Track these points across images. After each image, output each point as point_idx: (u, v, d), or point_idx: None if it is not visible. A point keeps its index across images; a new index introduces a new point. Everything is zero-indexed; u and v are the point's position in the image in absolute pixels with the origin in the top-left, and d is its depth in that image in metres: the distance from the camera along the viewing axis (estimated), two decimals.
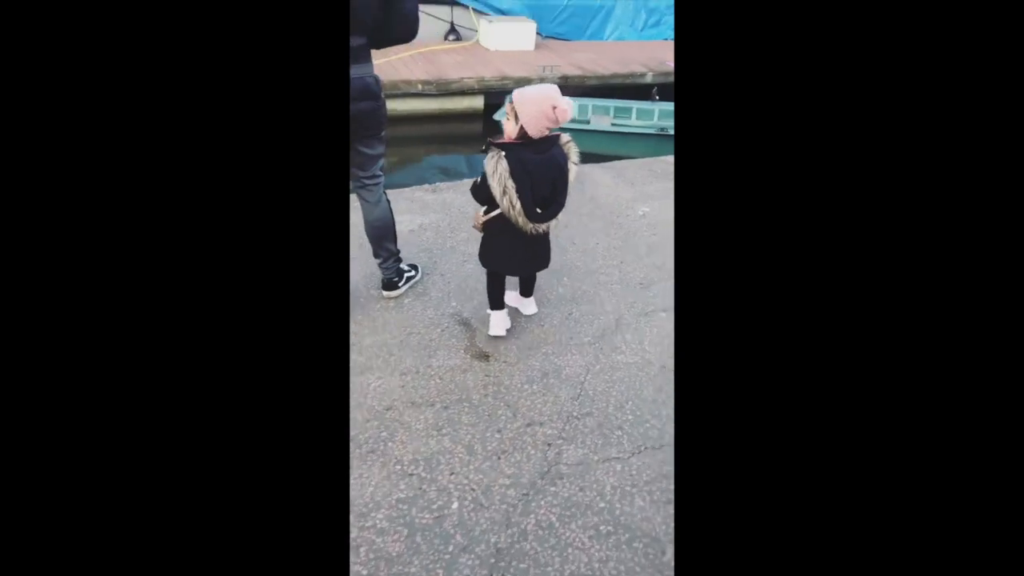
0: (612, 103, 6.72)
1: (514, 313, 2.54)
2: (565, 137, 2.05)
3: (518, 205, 1.94)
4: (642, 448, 1.91)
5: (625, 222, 3.45)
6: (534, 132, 1.91)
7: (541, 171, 1.96)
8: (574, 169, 2.04)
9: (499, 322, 2.36)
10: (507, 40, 8.39)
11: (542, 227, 2.05)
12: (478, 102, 7.30)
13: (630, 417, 2.04)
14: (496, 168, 1.92)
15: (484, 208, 2.12)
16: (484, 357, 2.30)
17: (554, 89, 1.91)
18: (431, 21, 8.42)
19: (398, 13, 2.02)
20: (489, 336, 2.38)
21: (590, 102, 6.72)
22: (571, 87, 7.39)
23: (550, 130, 1.94)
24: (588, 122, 6.36)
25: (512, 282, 2.51)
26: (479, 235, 2.25)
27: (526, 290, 2.51)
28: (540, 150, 1.95)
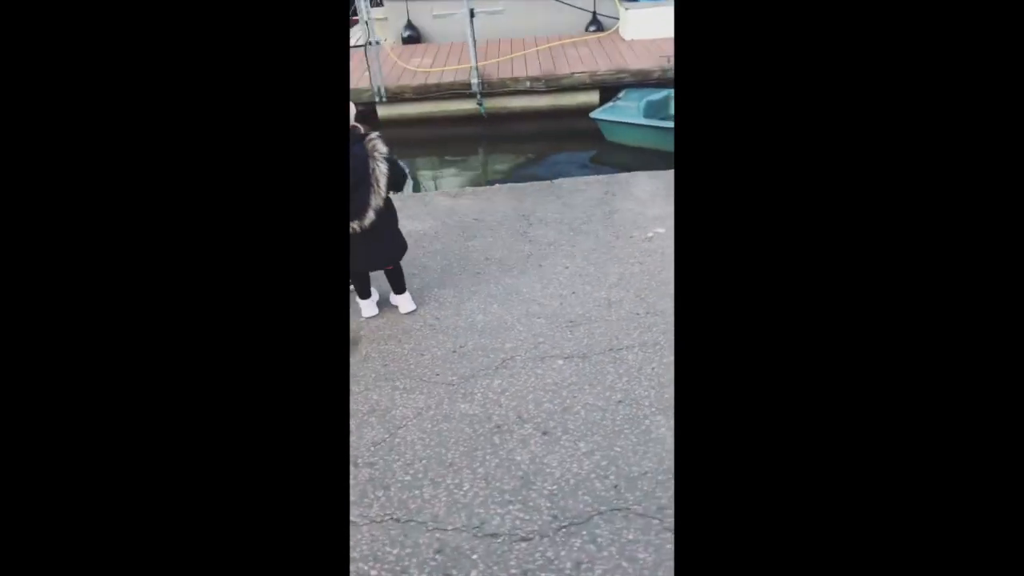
0: None
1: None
2: (372, 136, 2.08)
3: None
4: None
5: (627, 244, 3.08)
6: None
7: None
8: (383, 166, 2.04)
9: (367, 307, 2.64)
10: (645, 28, 7.86)
11: (359, 225, 2.10)
12: (593, 97, 6.97)
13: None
14: None
15: None
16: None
17: None
18: (572, 12, 8.23)
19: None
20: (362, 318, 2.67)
21: None
22: None
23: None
24: None
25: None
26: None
27: (397, 286, 2.58)
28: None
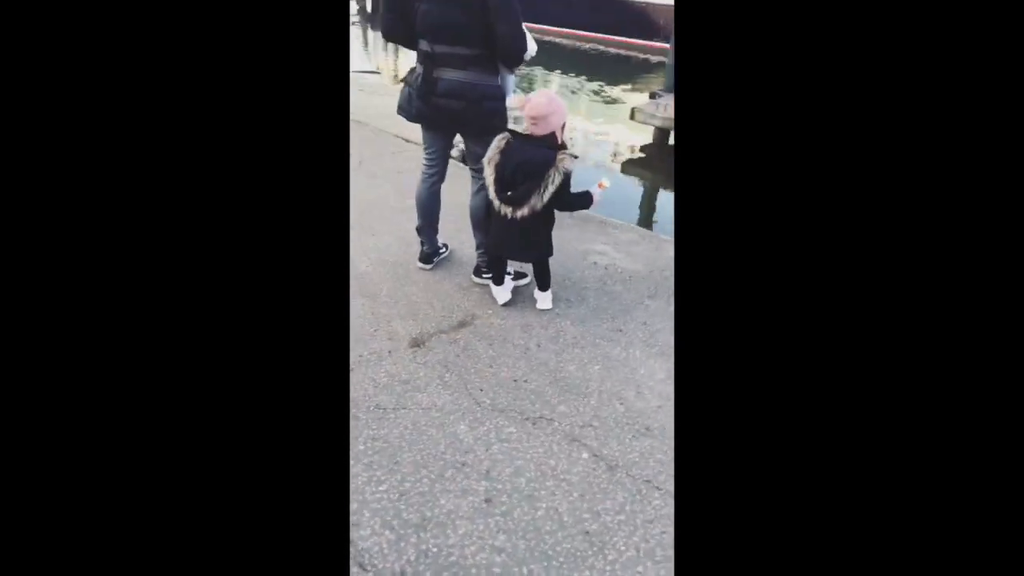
0: None
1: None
2: (565, 152, 2.20)
3: (491, 179, 2.20)
4: None
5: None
6: (525, 128, 2.22)
7: (520, 161, 2.17)
8: (558, 178, 2.16)
9: (499, 293, 2.56)
10: None
11: (511, 212, 2.21)
12: None
13: None
14: (493, 147, 2.21)
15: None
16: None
17: (540, 95, 2.21)
18: None
19: (496, 34, 2.11)
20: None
21: None
22: None
23: (533, 130, 2.19)
24: None
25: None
26: None
27: (540, 283, 2.53)
28: (531, 145, 2.19)
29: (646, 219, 5.18)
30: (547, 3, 13.78)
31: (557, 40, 14.04)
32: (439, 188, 2.63)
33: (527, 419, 1.91)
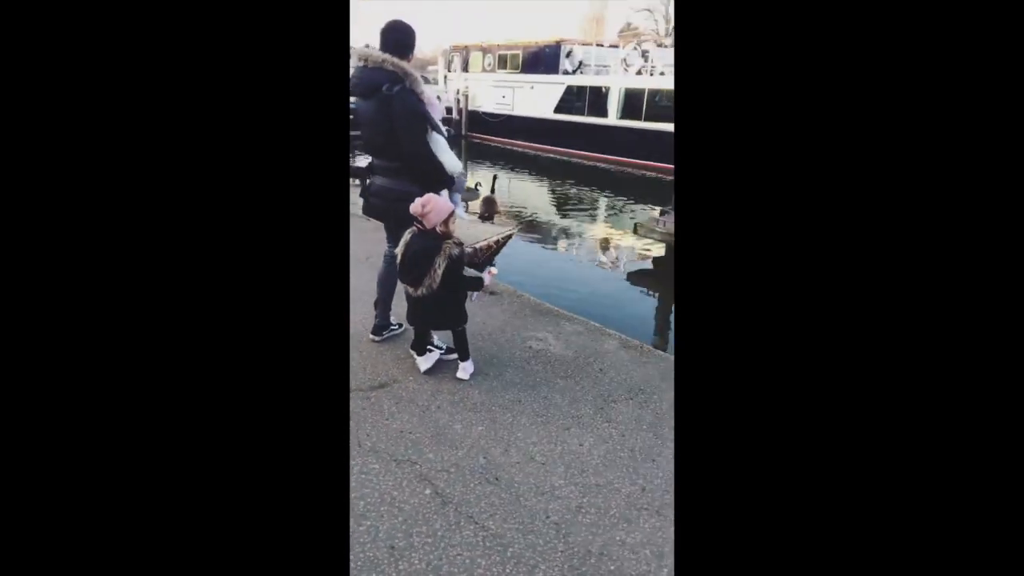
0: None
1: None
2: (450, 241, 2.67)
3: (398, 262, 2.70)
4: None
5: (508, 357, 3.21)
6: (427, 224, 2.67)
7: (417, 250, 2.65)
8: (443, 262, 2.59)
9: (421, 362, 2.97)
10: None
11: (412, 290, 2.70)
12: None
13: None
14: (403, 239, 2.70)
15: None
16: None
17: (419, 199, 2.60)
18: None
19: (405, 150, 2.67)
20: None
21: None
22: None
23: (424, 225, 2.64)
24: None
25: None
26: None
27: (459, 354, 2.93)
28: (426, 237, 2.65)
29: (662, 335, 4.91)
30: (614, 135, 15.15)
31: (602, 165, 15.24)
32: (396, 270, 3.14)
33: (393, 460, 2.21)
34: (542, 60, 17.47)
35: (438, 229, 2.65)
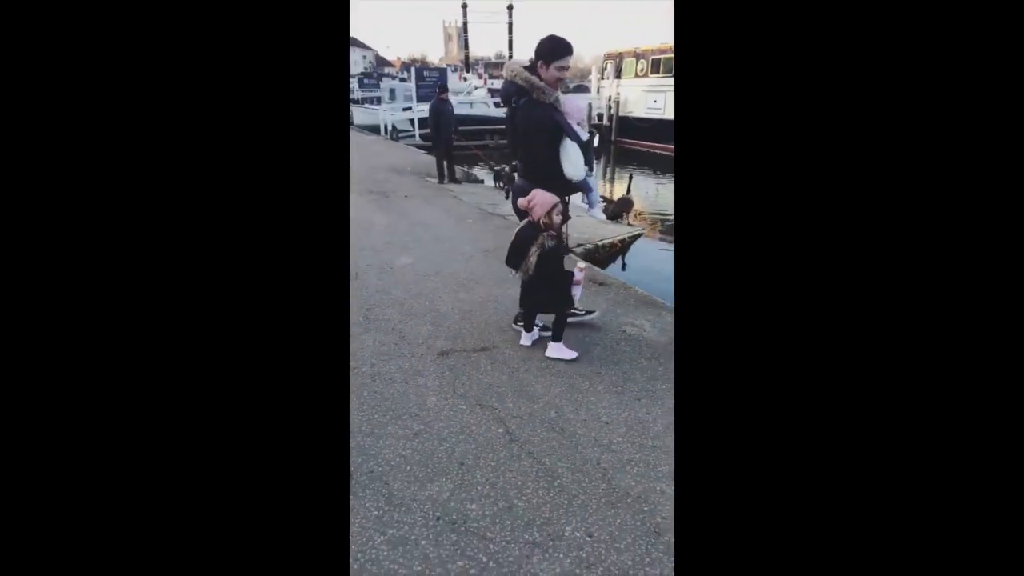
0: None
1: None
2: (544, 234, 2.99)
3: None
4: None
5: None
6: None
7: (521, 237, 3.02)
8: (536, 251, 2.92)
9: (524, 338, 3.32)
10: None
11: (513, 273, 3.04)
12: None
13: None
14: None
15: None
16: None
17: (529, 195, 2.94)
18: None
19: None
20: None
21: None
22: None
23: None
24: None
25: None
26: None
27: (553, 334, 3.21)
28: (529, 227, 2.99)
29: None
30: None
31: None
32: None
33: (477, 404, 2.61)
34: None
35: (542, 222, 2.97)
